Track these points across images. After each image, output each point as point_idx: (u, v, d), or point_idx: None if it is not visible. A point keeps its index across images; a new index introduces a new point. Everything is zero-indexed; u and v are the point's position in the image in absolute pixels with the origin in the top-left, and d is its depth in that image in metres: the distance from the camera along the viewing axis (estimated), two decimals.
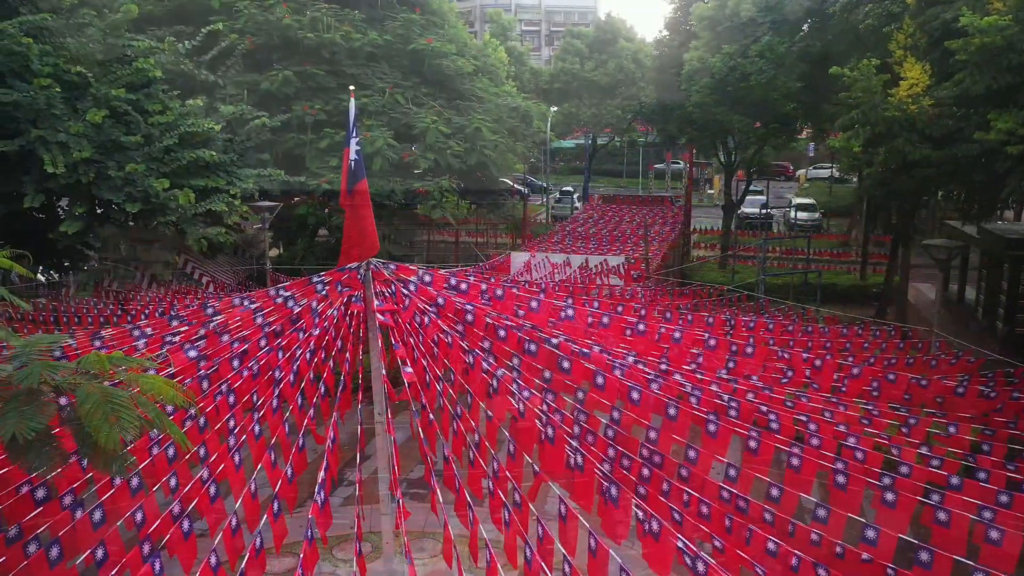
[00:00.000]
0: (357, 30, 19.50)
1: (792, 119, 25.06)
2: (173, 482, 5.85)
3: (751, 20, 20.37)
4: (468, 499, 5.65)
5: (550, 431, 6.43)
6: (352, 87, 8.52)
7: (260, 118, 17.42)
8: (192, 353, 7.37)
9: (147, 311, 12.34)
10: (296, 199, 18.41)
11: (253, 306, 8.25)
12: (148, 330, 8.50)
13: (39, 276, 21.16)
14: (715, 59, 20.42)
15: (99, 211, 15.18)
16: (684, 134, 27.97)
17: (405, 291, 8.31)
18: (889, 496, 6.69)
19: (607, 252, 22.31)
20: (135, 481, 5.74)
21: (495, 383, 7.03)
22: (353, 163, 8.69)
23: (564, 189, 48.93)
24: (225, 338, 7.72)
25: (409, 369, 6.88)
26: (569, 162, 68.65)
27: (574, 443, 6.37)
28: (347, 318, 8.01)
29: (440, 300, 8.49)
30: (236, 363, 7.20)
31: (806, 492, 6.81)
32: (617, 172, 69.66)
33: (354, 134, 8.74)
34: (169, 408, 6.63)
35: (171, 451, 6.08)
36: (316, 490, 5.60)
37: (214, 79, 17.96)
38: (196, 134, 16.03)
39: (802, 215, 39.01)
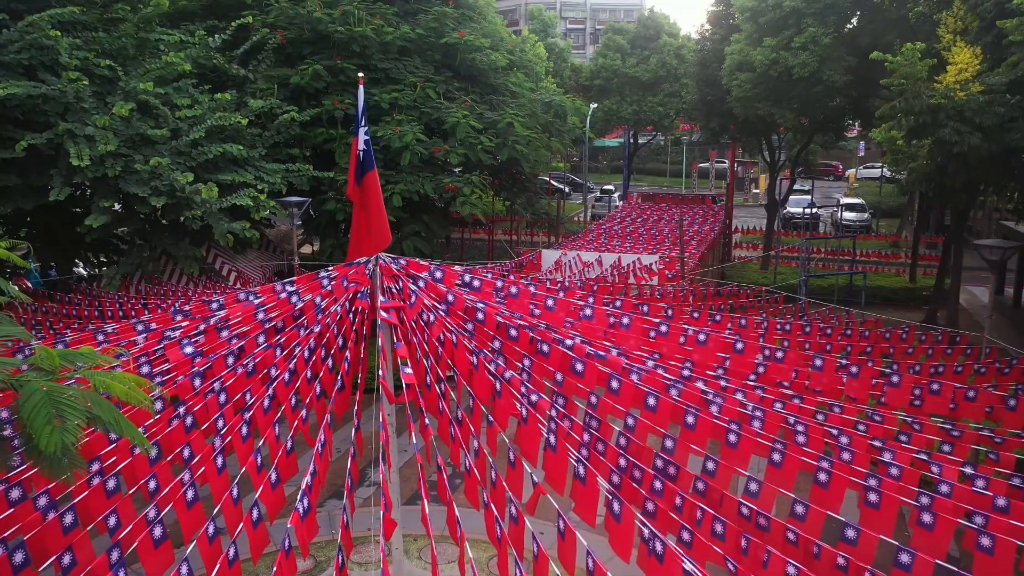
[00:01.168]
0: (389, 24, 19.23)
1: (839, 115, 24.14)
2: (153, 484, 5.57)
3: (794, 10, 19.51)
4: (456, 514, 5.24)
5: (552, 439, 5.99)
6: (361, 74, 8.22)
7: (289, 112, 17.27)
8: (188, 349, 7.13)
9: (161, 306, 12.21)
10: (329, 194, 18.21)
11: (256, 301, 7.99)
12: (150, 325, 8.30)
13: (81, 269, 21.45)
14: (756, 52, 19.65)
15: (122, 206, 15.13)
16: (726, 131, 27.20)
17: (412, 287, 7.97)
18: (926, 517, 6.11)
19: (642, 251, 21.77)
20: (112, 483, 5.47)
21: (499, 386, 6.62)
22: (362, 153, 8.37)
23: (605, 188, 48.39)
24: (224, 334, 7.46)
25: (409, 370, 6.51)
26: (612, 161, 68.03)
27: (576, 453, 5.92)
28: (351, 315, 7.68)
29: (450, 297, 8.14)
30: (231, 360, 6.92)
31: (835, 511, 6.26)
32: (661, 171, 68.93)
33: (362, 123, 8.42)
34: (159, 405, 6.38)
35: (153, 451, 5.80)
36: (299, 496, 5.26)
37: (244, 73, 17.86)
38: (224, 128, 15.93)
39: (850, 215, 37.85)
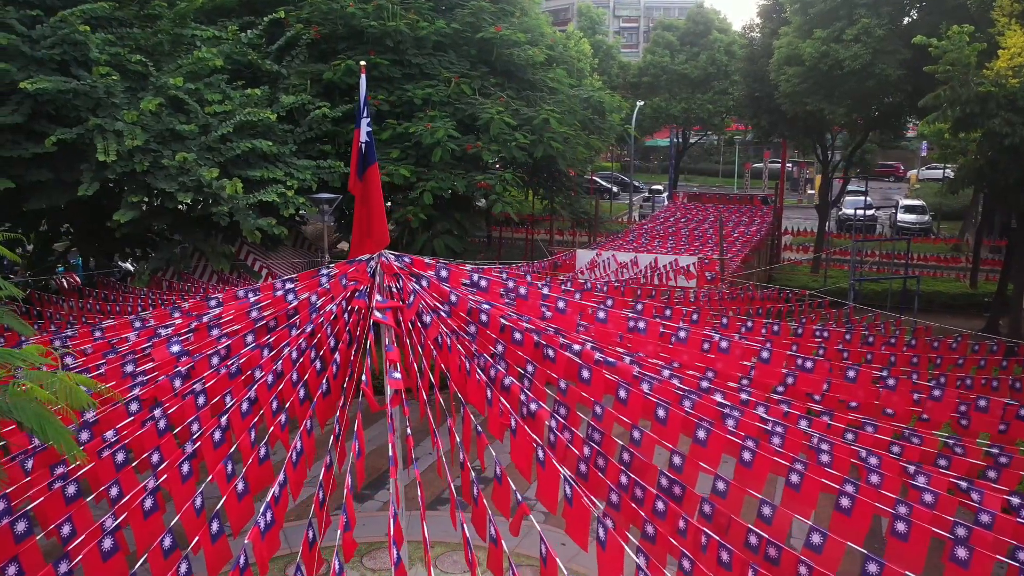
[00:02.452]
0: (424, 18, 18.94)
1: (895, 112, 23.00)
2: (115, 491, 5.28)
3: (846, 1, 18.55)
4: (427, 538, 4.82)
5: (541, 453, 5.52)
6: (363, 62, 7.88)
7: (320, 108, 17.10)
8: (175, 348, 6.86)
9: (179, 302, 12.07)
10: None
11: (253, 299, 7.70)
12: (147, 322, 8.08)
13: (128, 265, 21.72)
14: (805, 44, 18.73)
15: (155, 200, 15.12)
16: (775, 129, 26.22)
17: (413, 287, 7.58)
18: (961, 552, 5.45)
19: (683, 252, 21.07)
20: (72, 489, 5.20)
21: (490, 393, 6.17)
22: (364, 146, 8.01)
23: (653, 188, 47.52)
24: (215, 332, 7.18)
25: (397, 375, 6.11)
26: (663, 161, 67.00)
27: (564, 470, 5.43)
28: (346, 315, 7.32)
29: (453, 298, 7.73)
30: (215, 360, 6.63)
31: (856, 542, 5.64)
32: (713, 171, 67.63)
33: (364, 115, 8.06)
34: (135, 407, 6.09)
35: (120, 456, 5.52)
36: (262, 510, 4.90)
37: (277, 69, 17.76)
38: (254, 124, 15.83)
39: (909, 217, 36.31)
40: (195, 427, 5.84)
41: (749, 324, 10.23)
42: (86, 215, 17.17)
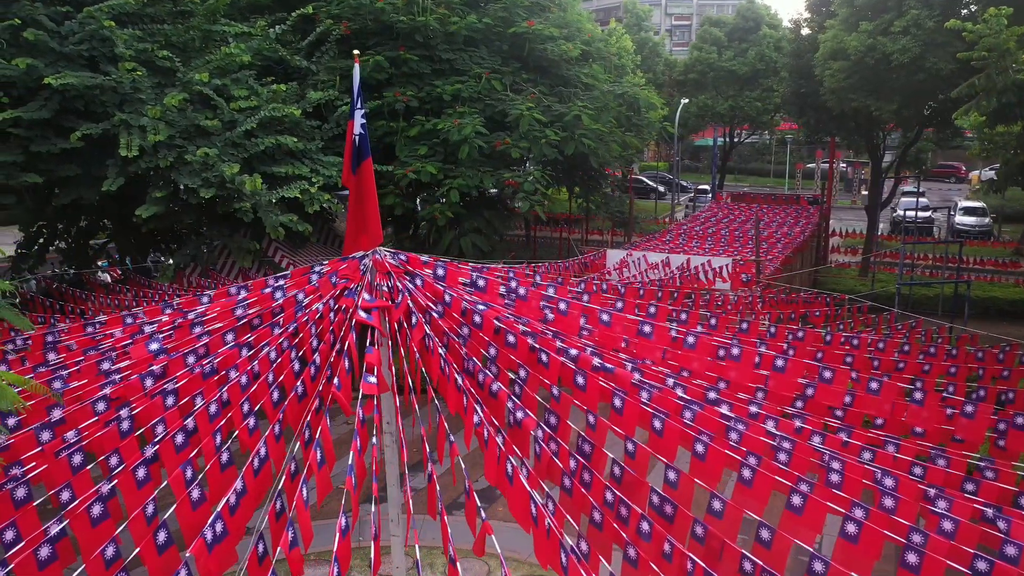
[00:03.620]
0: (455, 13, 18.65)
1: (950, 109, 21.85)
2: (67, 495, 5.06)
3: None
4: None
5: (510, 467, 5.13)
6: (356, 52, 7.56)
7: (347, 104, 16.93)
8: (154, 346, 6.65)
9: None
10: (388, 188, 17.80)
11: (242, 295, 7.47)
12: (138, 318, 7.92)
13: (160, 259, 21.94)
14: (851, 38, 17.86)
15: (180, 196, 15.14)
16: (822, 127, 25.27)
17: (402, 286, 7.25)
18: None
19: (721, 252, 20.39)
20: (22, 491, 4.99)
21: (465, 400, 5.80)
22: (357, 138, 7.70)
23: (700, 187, 46.58)
24: (197, 330, 6.96)
25: (372, 379, 5.78)
26: (712, 160, 65.82)
27: (532, 491, 5.02)
28: (332, 314, 7.03)
29: (447, 298, 7.37)
30: (191, 359, 6.39)
31: (864, 573, 5.11)
32: (764, 171, 66.17)
33: (358, 105, 7.76)
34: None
35: (77, 458, 5.30)
36: (210, 521, 4.61)
37: (307, 65, 17.67)
38: (279, 120, 15.74)
39: (968, 219, 34.78)
40: (159, 429, 5.60)
41: (772, 330, 9.64)
42: (116, 210, 17.32)
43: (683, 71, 39.23)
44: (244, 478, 5.10)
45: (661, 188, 49.37)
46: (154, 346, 6.58)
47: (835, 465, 6.03)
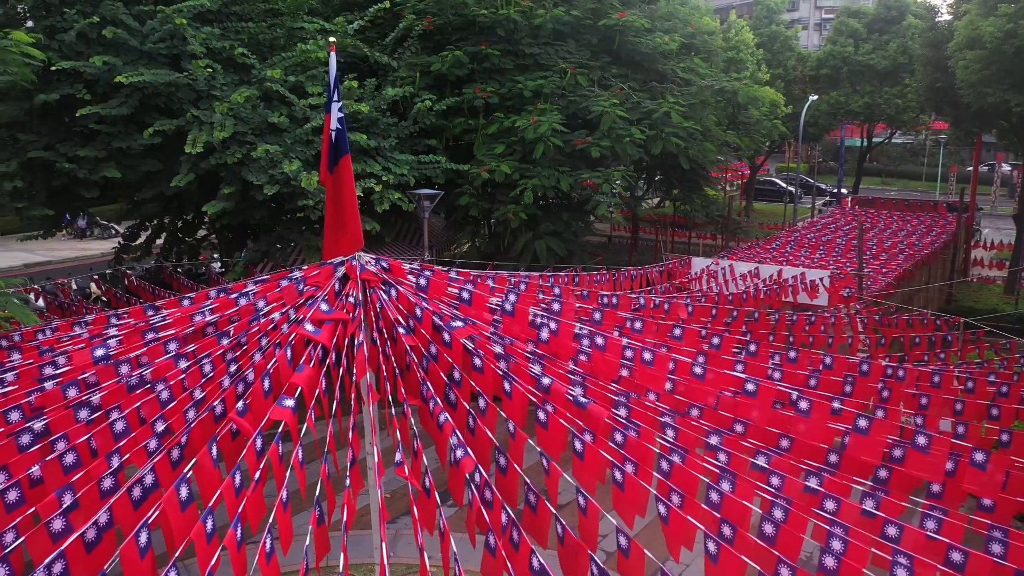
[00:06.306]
0: (540, 6, 17.83)
1: None
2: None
3: None
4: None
5: (442, 521, 4.35)
6: (332, 39, 6.96)
7: (424, 101, 16.53)
8: (99, 352, 6.35)
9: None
10: (464, 187, 17.29)
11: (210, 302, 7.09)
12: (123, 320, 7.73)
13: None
14: (986, 23, 15.57)
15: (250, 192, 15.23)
16: (959, 123, 22.54)
17: (372, 298, 6.62)
18: None
19: (833, 263, 18.53)
20: None
21: (399, 435, 5.06)
22: (335, 133, 7.11)
23: (836, 191, 43.44)
24: (149, 336, 6.61)
25: (289, 403, 5.18)
26: (853, 163, 61.56)
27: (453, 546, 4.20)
28: (285, 326, 6.49)
29: (418, 312, 6.67)
30: (124, 369, 6.02)
31: None
32: (915, 174, 61.22)
33: (335, 98, 7.16)
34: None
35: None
36: (134, 532, 4.16)
37: (387, 61, 17.41)
38: (354, 117, 15.54)
39: None
40: (60, 445, 5.22)
41: (829, 361, 8.21)
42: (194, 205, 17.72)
43: (815, 66, 36.41)
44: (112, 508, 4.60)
45: (795, 190, 46.43)
46: (99, 352, 6.27)
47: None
